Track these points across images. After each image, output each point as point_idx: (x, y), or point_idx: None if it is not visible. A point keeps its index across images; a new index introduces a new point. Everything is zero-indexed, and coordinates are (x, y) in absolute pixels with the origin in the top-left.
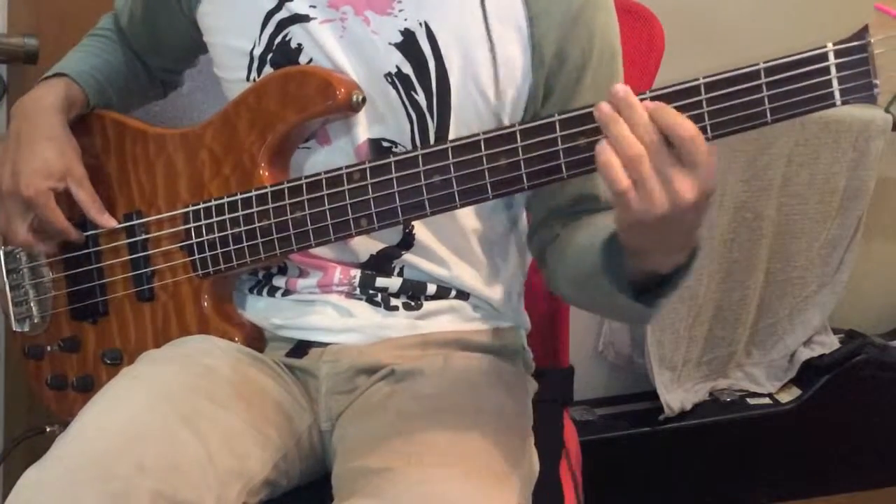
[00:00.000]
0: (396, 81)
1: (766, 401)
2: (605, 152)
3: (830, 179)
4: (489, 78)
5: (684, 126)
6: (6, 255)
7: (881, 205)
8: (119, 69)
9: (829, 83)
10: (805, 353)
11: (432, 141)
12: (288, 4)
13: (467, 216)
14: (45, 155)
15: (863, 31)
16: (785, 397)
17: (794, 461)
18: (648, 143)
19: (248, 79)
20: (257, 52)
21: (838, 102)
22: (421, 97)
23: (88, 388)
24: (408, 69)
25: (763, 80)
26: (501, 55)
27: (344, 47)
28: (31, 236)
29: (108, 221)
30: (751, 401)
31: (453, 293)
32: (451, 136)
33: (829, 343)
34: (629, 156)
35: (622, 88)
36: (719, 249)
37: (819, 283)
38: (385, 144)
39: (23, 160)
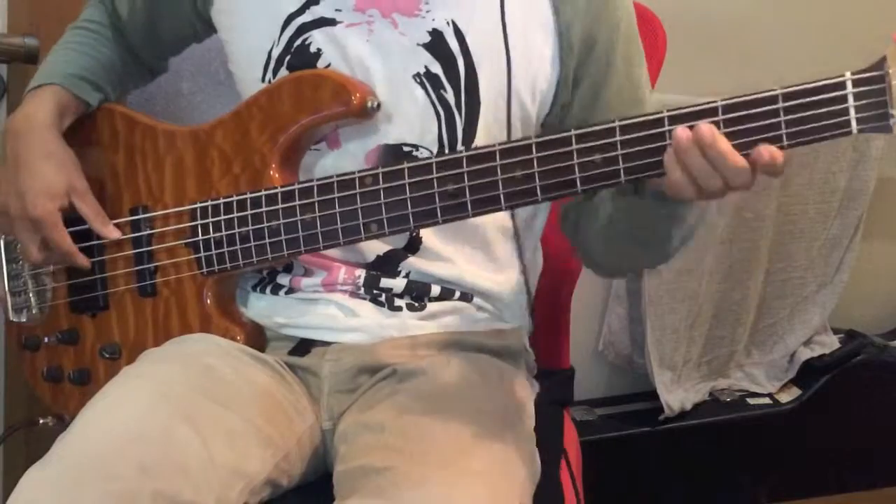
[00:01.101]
0: (425, 81)
1: (766, 401)
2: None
3: (830, 179)
4: (515, 71)
5: (735, 159)
6: (6, 245)
7: (881, 205)
8: (111, 64)
9: (846, 111)
10: (805, 353)
11: (460, 138)
12: (313, 8)
13: (478, 223)
14: (46, 173)
15: (881, 62)
16: (785, 397)
17: (794, 461)
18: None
19: (262, 79)
20: (275, 52)
21: (854, 131)
22: (450, 94)
23: (85, 381)
24: (437, 69)
25: (781, 104)
26: (524, 48)
27: (371, 50)
28: (44, 255)
29: (113, 233)
30: (751, 401)
31: (457, 294)
32: (479, 132)
33: (829, 343)
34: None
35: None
36: (719, 249)
37: (819, 283)
38: (406, 149)
39: (25, 182)
